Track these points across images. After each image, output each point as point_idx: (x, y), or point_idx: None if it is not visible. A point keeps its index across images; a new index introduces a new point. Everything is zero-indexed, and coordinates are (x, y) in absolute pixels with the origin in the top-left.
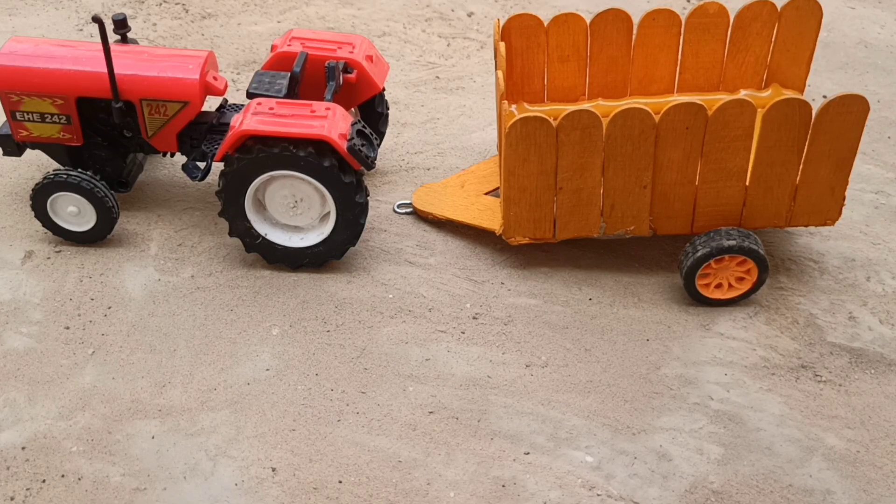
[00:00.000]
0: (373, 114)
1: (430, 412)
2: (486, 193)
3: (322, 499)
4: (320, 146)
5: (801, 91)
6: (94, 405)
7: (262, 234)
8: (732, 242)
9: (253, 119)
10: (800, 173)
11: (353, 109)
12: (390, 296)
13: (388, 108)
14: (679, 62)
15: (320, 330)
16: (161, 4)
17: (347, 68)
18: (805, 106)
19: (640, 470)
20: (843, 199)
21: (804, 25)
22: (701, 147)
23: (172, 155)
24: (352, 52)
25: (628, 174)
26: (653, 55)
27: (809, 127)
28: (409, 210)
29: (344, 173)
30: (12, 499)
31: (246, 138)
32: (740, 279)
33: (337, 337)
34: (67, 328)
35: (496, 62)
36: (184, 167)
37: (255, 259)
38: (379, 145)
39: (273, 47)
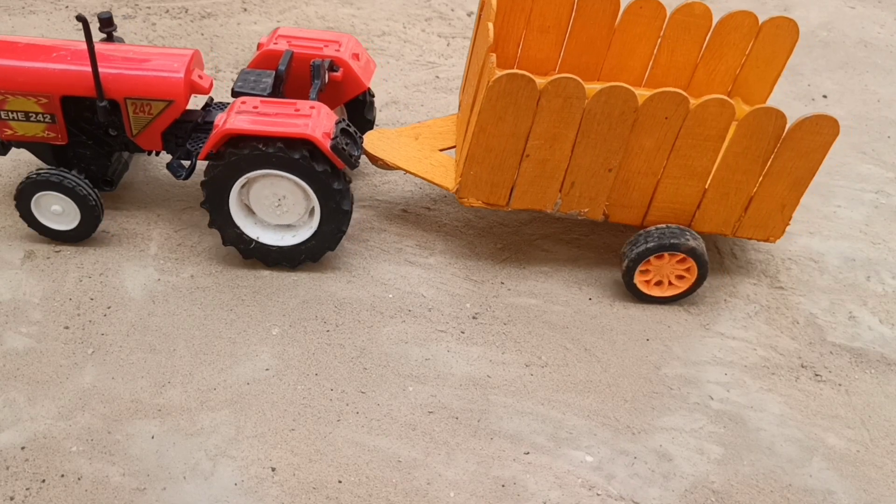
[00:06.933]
0: (359, 113)
1: (430, 412)
2: (441, 150)
3: (322, 499)
4: (302, 143)
5: None
6: (93, 405)
7: (255, 237)
8: (676, 241)
9: (237, 118)
10: (758, 185)
11: (339, 108)
12: (390, 296)
13: (374, 110)
14: (654, 57)
15: (320, 330)
16: (161, 4)
17: (333, 66)
18: (781, 118)
19: (640, 470)
20: (790, 218)
21: (779, 45)
22: (674, 140)
23: (158, 153)
24: (338, 51)
25: (597, 154)
26: (630, 44)
27: (780, 140)
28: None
29: (317, 163)
30: (12, 499)
31: (230, 137)
32: (679, 277)
33: (337, 337)
34: (67, 328)
35: (481, 15)
36: (168, 166)
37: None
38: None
39: (259, 45)
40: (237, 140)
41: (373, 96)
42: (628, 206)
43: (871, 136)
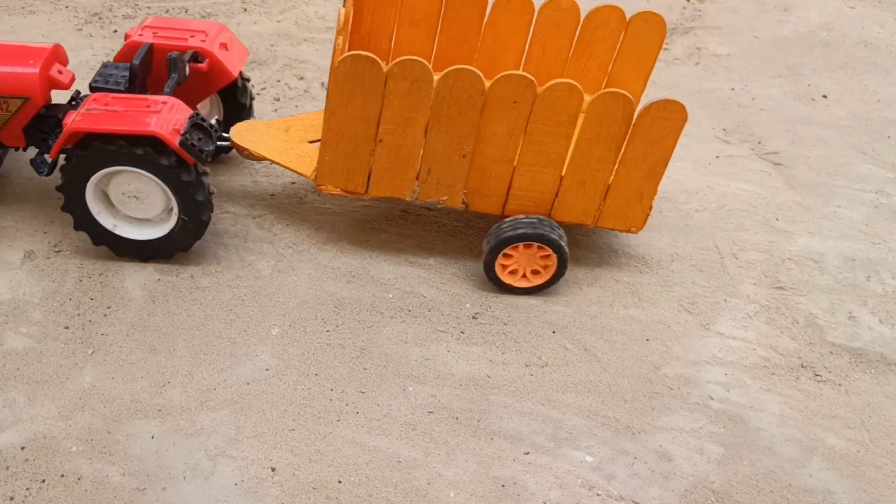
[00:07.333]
0: (234, 102)
1: (430, 412)
2: (311, 142)
3: (322, 499)
4: (148, 140)
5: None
6: (93, 405)
7: (183, 218)
8: (540, 231)
9: (85, 116)
10: (614, 173)
11: (212, 98)
12: (390, 296)
13: (252, 98)
14: (526, 52)
15: (320, 330)
16: (161, 4)
17: (198, 57)
18: (628, 103)
19: (640, 470)
20: (650, 207)
21: (648, 41)
22: (525, 126)
23: (25, 149)
24: (203, 41)
25: (450, 139)
26: (502, 38)
27: (630, 125)
28: (226, 143)
29: (164, 158)
30: (12, 499)
31: (78, 136)
32: (537, 271)
33: (337, 337)
34: (67, 328)
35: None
36: (32, 162)
37: (255, 259)
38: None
39: (126, 36)
40: (86, 138)
41: (247, 80)
42: (487, 194)
43: (871, 136)
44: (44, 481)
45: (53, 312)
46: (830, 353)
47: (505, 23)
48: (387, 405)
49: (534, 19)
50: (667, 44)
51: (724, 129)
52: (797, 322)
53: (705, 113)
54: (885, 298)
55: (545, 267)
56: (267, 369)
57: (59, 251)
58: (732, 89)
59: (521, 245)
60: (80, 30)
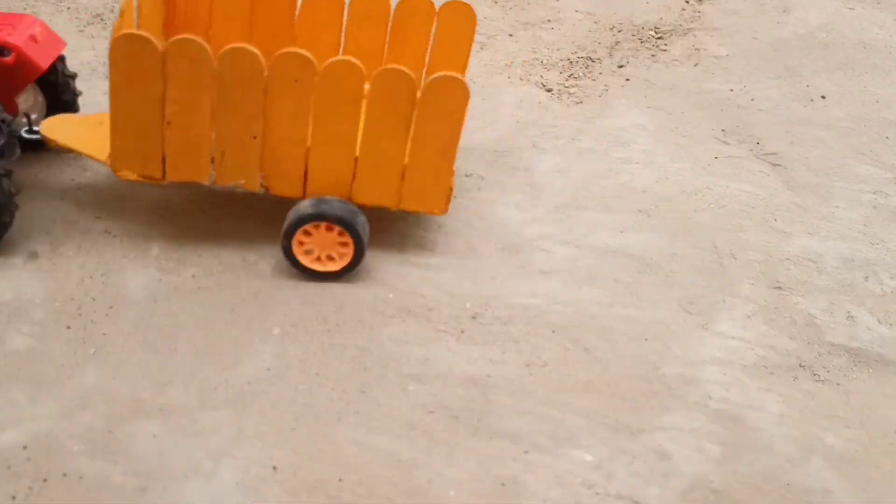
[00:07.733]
0: (54, 94)
1: (430, 411)
2: None
3: (322, 497)
4: None
5: None
6: (95, 405)
7: None
8: (320, 209)
9: None
10: (408, 153)
11: (28, 92)
12: (390, 295)
13: (74, 91)
14: (342, 46)
15: (321, 330)
16: None
17: (2, 51)
18: (409, 80)
19: (639, 469)
20: (450, 189)
21: (460, 31)
22: (310, 105)
23: None
24: (10, 35)
25: (238, 121)
26: (316, 31)
27: (414, 103)
28: (37, 136)
29: None
30: (14, 498)
31: None
32: (338, 254)
33: (337, 336)
34: (69, 328)
35: None
36: None
37: (257, 259)
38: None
39: None
40: None
41: (67, 72)
42: (283, 176)
43: (869, 137)
44: (46, 480)
45: (55, 312)
46: (829, 352)
47: (317, 16)
48: (387, 405)
49: (345, 11)
50: (666, 45)
51: (723, 130)
52: (796, 322)
53: (704, 114)
54: (883, 299)
55: (341, 255)
56: (268, 369)
57: (62, 252)
58: (731, 90)
59: (322, 226)
60: (82, 31)
